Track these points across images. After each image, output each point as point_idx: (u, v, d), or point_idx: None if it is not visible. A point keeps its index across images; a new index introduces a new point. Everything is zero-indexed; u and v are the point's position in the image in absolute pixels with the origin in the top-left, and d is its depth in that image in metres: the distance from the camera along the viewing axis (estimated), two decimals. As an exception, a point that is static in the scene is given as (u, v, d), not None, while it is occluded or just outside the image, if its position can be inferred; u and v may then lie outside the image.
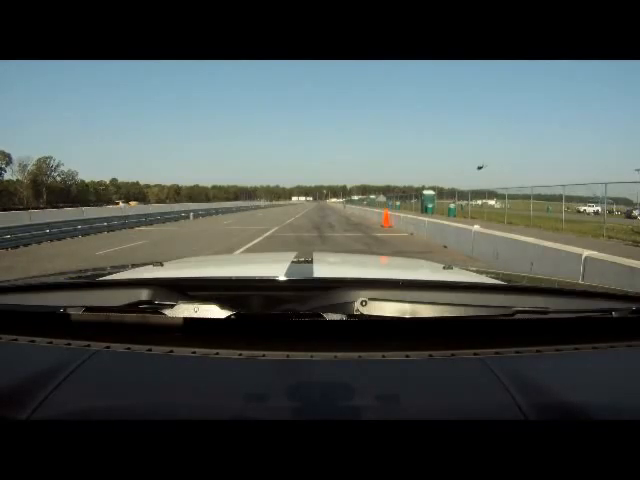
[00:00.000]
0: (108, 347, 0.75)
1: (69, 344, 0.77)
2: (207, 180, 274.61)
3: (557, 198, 21.90)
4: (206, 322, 0.80)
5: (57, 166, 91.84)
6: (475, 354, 0.73)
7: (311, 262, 1.41)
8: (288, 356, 0.72)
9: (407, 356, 0.72)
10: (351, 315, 0.81)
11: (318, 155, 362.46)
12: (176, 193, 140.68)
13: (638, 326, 0.84)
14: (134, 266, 1.43)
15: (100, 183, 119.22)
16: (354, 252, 9.45)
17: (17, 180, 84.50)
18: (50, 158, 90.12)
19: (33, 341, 0.78)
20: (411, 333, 0.79)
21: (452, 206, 29.14)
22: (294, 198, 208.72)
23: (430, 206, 31.42)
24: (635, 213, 20.54)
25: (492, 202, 33.85)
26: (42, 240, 13.43)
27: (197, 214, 31.02)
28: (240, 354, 0.72)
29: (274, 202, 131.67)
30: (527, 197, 23.14)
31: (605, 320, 0.86)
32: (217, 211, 39.11)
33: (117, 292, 0.99)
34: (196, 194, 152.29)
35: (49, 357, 0.73)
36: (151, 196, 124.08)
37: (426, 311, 0.84)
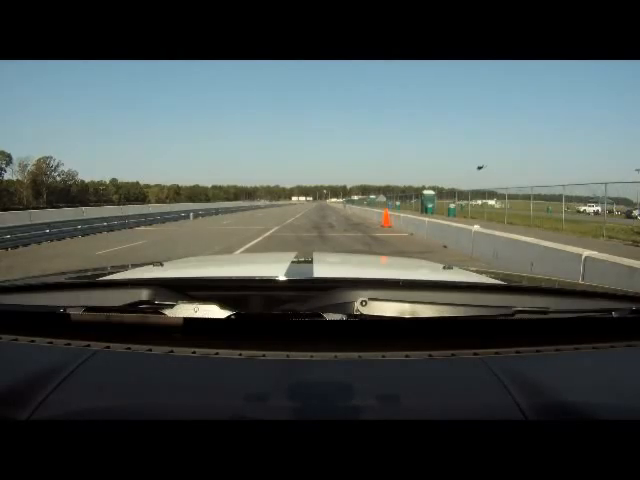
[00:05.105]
0: (108, 347, 0.75)
1: (69, 344, 0.77)
2: (207, 180, 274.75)
3: (557, 198, 21.92)
4: (206, 322, 0.80)
5: (57, 166, 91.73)
6: (475, 354, 0.73)
7: (311, 262, 1.41)
8: (288, 356, 0.72)
9: (407, 356, 0.72)
10: (351, 315, 0.81)
11: (318, 155, 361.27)
12: (176, 193, 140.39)
13: (638, 326, 0.84)
14: (134, 266, 1.43)
15: (100, 183, 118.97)
16: (354, 252, 9.44)
17: (17, 180, 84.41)
18: (50, 158, 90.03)
19: (33, 341, 0.78)
20: (411, 333, 0.79)
21: (452, 206, 29.14)
22: (294, 198, 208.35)
23: (430, 206, 31.40)
24: (635, 213, 20.54)
25: (492, 202, 33.85)
26: (42, 240, 13.41)
27: (197, 214, 31.02)
28: (240, 354, 0.72)
29: (274, 202, 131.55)
30: (527, 197, 23.15)
31: (605, 320, 0.86)
32: (217, 211, 39.10)
33: (117, 292, 0.99)
34: (196, 194, 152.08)
35: (49, 357, 0.73)
36: (151, 196, 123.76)
37: (426, 311, 0.84)
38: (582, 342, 0.78)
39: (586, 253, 5.61)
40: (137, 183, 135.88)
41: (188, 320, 0.78)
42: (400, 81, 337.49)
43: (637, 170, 29.35)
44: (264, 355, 0.72)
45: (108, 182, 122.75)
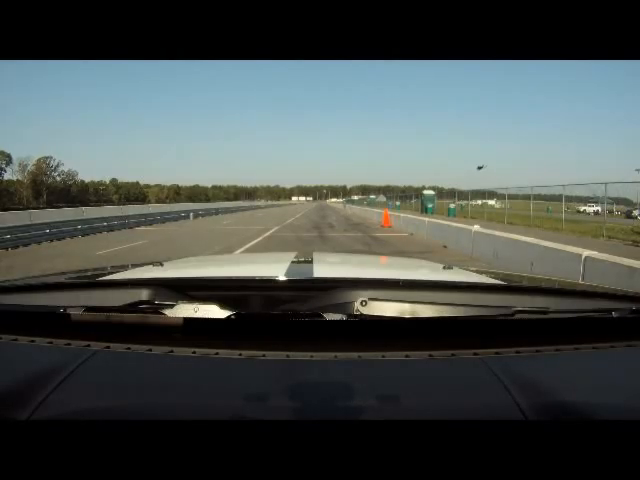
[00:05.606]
0: (108, 347, 0.75)
1: (69, 344, 0.77)
2: (207, 180, 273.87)
3: (557, 198, 21.94)
4: (206, 322, 0.80)
5: (57, 166, 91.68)
6: (475, 354, 0.73)
7: (311, 262, 1.41)
8: (288, 356, 0.72)
9: (407, 356, 0.72)
10: (351, 315, 0.81)
11: (318, 155, 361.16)
12: (176, 193, 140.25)
13: (638, 326, 0.84)
14: (134, 266, 1.43)
15: (100, 183, 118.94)
16: (354, 252, 9.44)
17: (17, 180, 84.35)
18: (50, 158, 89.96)
19: (33, 341, 0.78)
20: (411, 333, 0.79)
21: (452, 206, 29.14)
22: (294, 198, 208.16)
23: (430, 206, 31.38)
24: (635, 213, 20.53)
25: (492, 202, 33.86)
26: (42, 240, 13.41)
27: (197, 214, 31.02)
28: (240, 354, 0.72)
29: (274, 202, 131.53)
30: (527, 197, 23.15)
31: (605, 320, 0.86)
32: (217, 211, 39.08)
33: (117, 292, 0.99)
34: (196, 194, 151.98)
35: (49, 357, 0.73)
36: (151, 196, 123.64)
37: (426, 311, 0.84)
38: (582, 342, 0.78)
39: (586, 253, 5.61)
40: (137, 183, 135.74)
41: (188, 320, 0.78)
42: (400, 81, 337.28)
43: (637, 170, 29.38)
44: (264, 355, 0.72)
45: (108, 182, 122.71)
